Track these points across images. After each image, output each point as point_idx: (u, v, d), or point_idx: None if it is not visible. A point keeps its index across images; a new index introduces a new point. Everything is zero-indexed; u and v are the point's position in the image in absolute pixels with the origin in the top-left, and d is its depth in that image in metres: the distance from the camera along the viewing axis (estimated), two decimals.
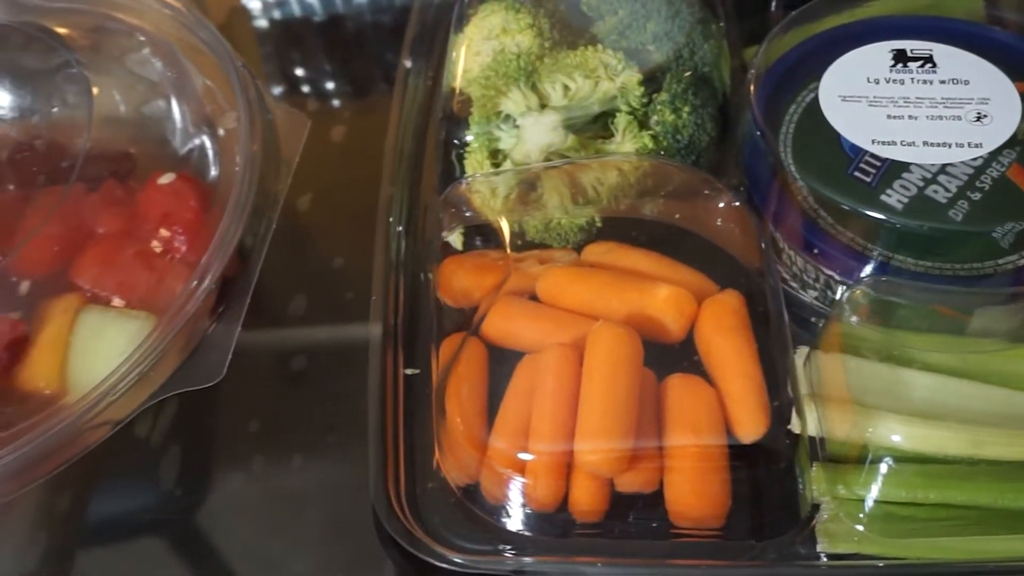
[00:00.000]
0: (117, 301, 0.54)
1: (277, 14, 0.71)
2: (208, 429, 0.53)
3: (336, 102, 0.67)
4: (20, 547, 0.50)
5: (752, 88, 0.54)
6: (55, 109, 0.56)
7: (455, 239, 0.57)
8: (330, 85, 0.68)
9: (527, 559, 0.45)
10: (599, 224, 0.56)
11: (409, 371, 0.51)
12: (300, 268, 0.58)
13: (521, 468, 0.47)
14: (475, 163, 0.57)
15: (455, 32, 0.60)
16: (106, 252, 0.55)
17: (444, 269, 0.55)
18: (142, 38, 0.56)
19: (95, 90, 0.57)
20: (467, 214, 0.56)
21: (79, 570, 0.49)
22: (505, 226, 0.56)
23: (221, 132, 0.54)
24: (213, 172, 0.55)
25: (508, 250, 0.55)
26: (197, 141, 0.57)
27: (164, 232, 0.56)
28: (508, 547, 0.46)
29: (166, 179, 0.57)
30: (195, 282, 0.50)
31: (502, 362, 0.51)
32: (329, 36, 0.71)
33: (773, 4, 0.68)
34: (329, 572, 0.48)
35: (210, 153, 0.55)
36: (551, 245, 0.56)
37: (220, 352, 0.48)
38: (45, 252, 0.56)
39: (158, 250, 0.55)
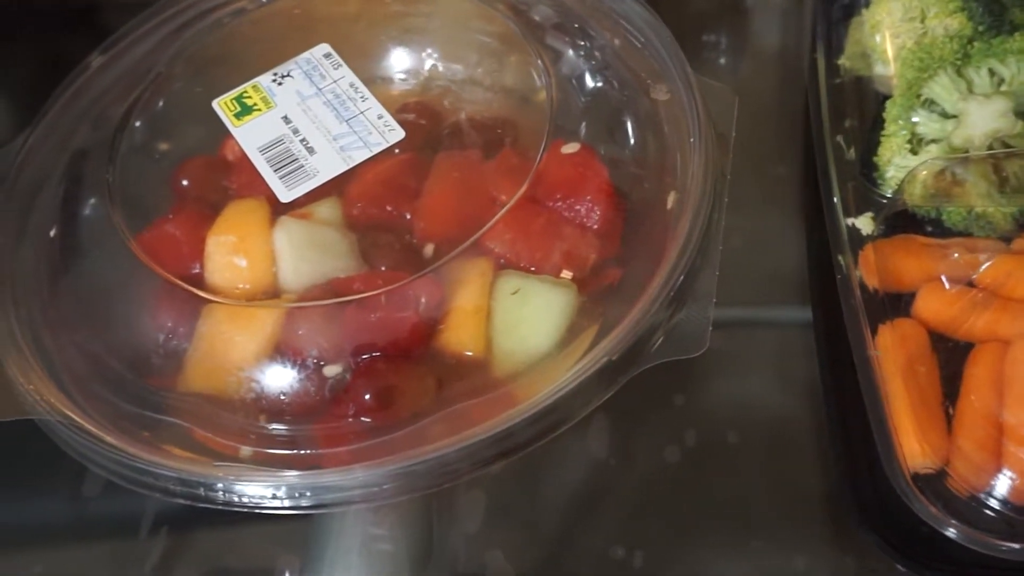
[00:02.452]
0: (529, 267, 0.52)
1: None
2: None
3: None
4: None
5: None
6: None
7: (864, 223, 0.55)
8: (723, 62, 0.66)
9: None
10: None
11: (873, 352, 0.48)
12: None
13: None
14: (892, 148, 0.54)
15: (854, 15, 0.59)
16: (517, 219, 0.53)
17: (874, 252, 0.52)
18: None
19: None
20: (888, 199, 0.54)
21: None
22: (932, 212, 0.53)
23: (645, 104, 0.52)
24: (631, 142, 0.53)
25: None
26: (604, 111, 0.55)
27: (573, 201, 0.53)
28: None
29: (570, 148, 0.55)
30: (675, 262, 0.47)
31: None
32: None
33: None
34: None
35: (629, 125, 0.53)
36: (972, 234, 0.54)
37: (698, 324, 0.45)
38: (447, 216, 0.54)
39: (567, 219, 0.53)
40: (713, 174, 0.47)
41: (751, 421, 0.49)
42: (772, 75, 0.65)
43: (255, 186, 0.54)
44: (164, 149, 0.54)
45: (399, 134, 0.51)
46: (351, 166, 0.50)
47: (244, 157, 0.56)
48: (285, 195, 0.50)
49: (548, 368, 0.49)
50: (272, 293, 0.52)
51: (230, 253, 0.52)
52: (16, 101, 0.69)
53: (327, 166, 0.50)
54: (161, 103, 0.53)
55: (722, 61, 0.64)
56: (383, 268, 0.52)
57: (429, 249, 0.53)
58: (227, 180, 0.56)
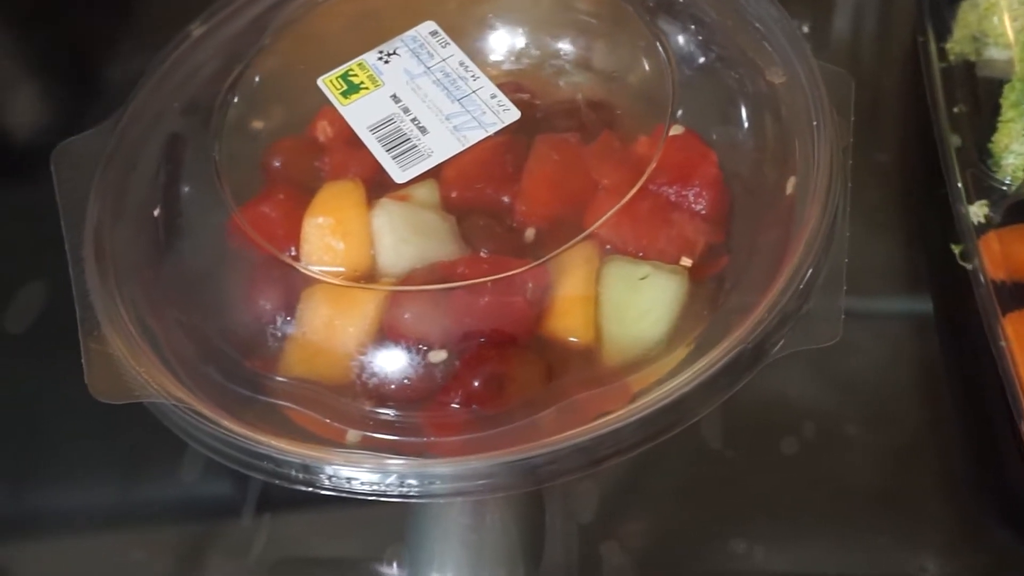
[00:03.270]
0: (636, 254, 0.51)
1: None
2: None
3: None
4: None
5: None
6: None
7: (978, 210, 0.53)
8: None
9: None
10: None
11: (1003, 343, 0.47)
12: None
13: None
14: (1010, 134, 0.53)
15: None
16: (623, 203, 0.52)
17: (998, 241, 0.51)
18: None
19: None
20: (1006, 186, 0.52)
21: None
22: None
23: (761, 86, 0.50)
24: (745, 126, 0.52)
25: None
26: (715, 93, 0.53)
27: (680, 186, 0.52)
28: None
29: (676, 131, 0.53)
30: (806, 249, 0.45)
31: None
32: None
33: None
34: None
35: (743, 108, 0.52)
36: None
37: (829, 312, 0.44)
38: (548, 199, 0.53)
39: (675, 205, 0.52)
40: (837, 158, 0.46)
41: (871, 413, 0.48)
42: (876, 58, 0.64)
43: (347, 166, 0.53)
44: (266, 127, 0.53)
45: (514, 114, 0.50)
46: (466, 146, 0.49)
47: (335, 137, 0.55)
48: (400, 175, 0.48)
49: (661, 357, 0.48)
50: (369, 276, 0.51)
51: (328, 235, 0.51)
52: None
53: (441, 146, 0.49)
54: (262, 79, 0.52)
55: (826, 44, 0.62)
56: (484, 252, 0.51)
57: (530, 233, 0.52)
58: (319, 161, 0.54)
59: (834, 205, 0.45)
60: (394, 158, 0.49)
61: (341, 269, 0.50)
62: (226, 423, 0.42)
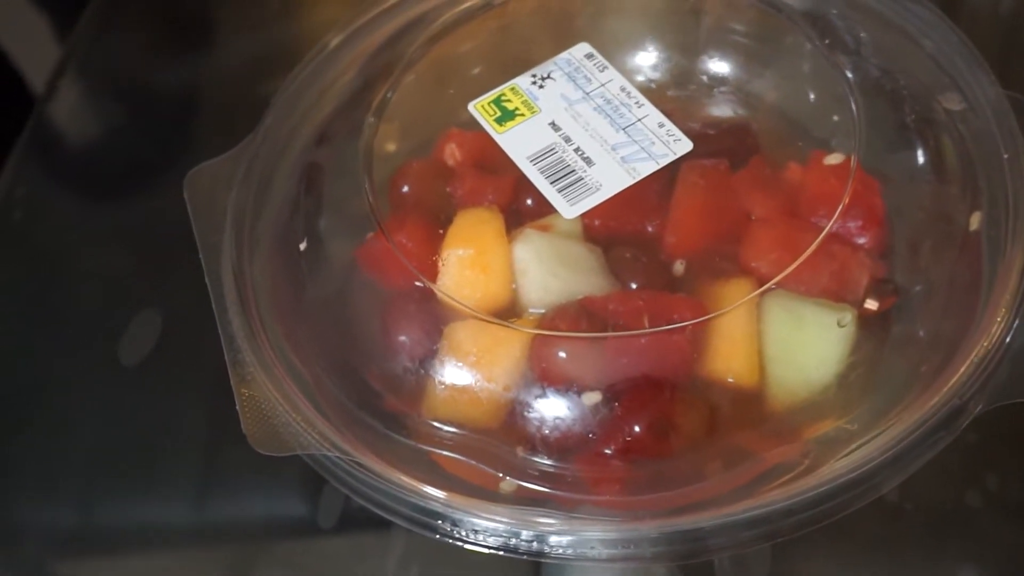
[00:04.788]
0: (798, 289, 0.48)
1: None
2: None
3: None
4: None
5: None
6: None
7: None
8: None
9: None
10: None
11: None
12: None
13: None
14: None
15: None
16: (780, 235, 0.49)
17: None
18: None
19: None
20: None
21: None
22: None
23: (936, 114, 0.47)
24: (920, 156, 0.48)
25: None
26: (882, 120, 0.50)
27: (844, 218, 0.49)
28: None
29: (834, 159, 0.50)
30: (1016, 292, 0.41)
31: None
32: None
33: None
34: None
35: (913, 136, 0.48)
36: None
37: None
38: (698, 230, 0.50)
39: (837, 237, 0.49)
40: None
41: None
42: None
43: (482, 192, 0.50)
44: (410, 154, 0.50)
45: (686, 145, 0.47)
46: (637, 179, 0.46)
47: (465, 161, 0.52)
48: (568, 210, 0.45)
49: (832, 402, 0.45)
50: (510, 310, 0.48)
51: (469, 267, 0.48)
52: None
53: (610, 179, 0.46)
54: (406, 102, 0.49)
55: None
56: (633, 286, 0.48)
57: (679, 266, 0.49)
58: (449, 186, 0.52)
59: None
60: (560, 191, 0.46)
61: (484, 303, 0.48)
62: (383, 472, 0.39)
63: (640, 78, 0.51)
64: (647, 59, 0.51)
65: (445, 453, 0.43)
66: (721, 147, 0.51)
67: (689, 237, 0.49)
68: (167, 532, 0.49)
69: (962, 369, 0.39)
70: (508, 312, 0.48)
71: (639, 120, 0.46)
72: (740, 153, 0.52)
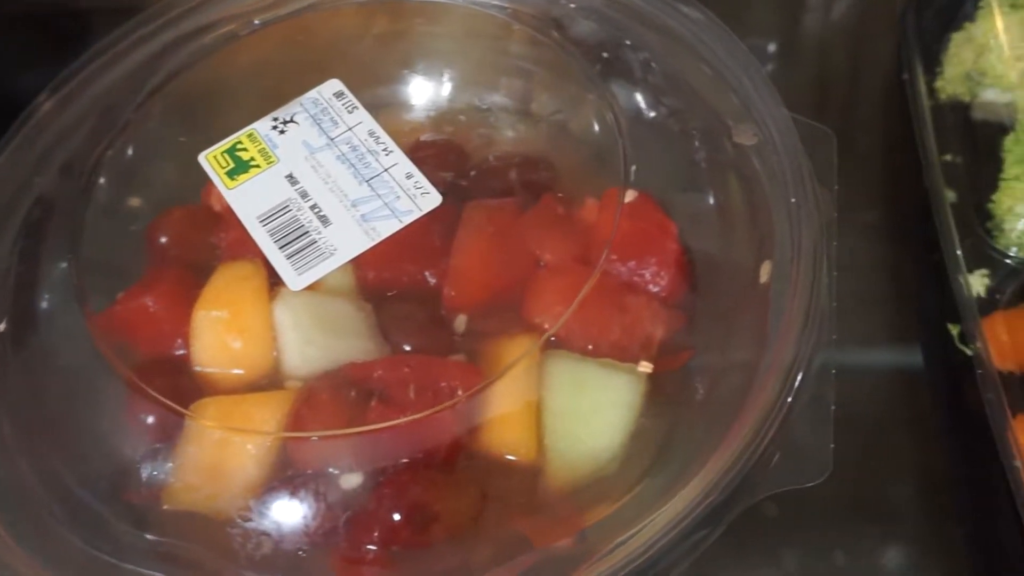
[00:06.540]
0: (585, 347, 0.43)
1: None
2: None
3: None
4: None
5: None
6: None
7: (977, 283, 0.46)
8: None
9: None
10: None
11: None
12: None
13: None
14: (1014, 195, 0.46)
15: (954, 29, 0.50)
16: (566, 285, 0.44)
17: (997, 325, 0.43)
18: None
19: None
20: (1011, 258, 0.45)
21: None
22: None
23: (725, 148, 0.43)
24: (708, 197, 0.44)
25: None
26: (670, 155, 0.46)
27: (636, 263, 0.44)
28: None
29: (628, 197, 0.46)
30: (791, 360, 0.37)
31: None
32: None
33: None
34: None
35: (704, 173, 0.44)
36: None
37: (816, 441, 0.36)
38: (481, 280, 0.45)
39: (628, 286, 0.44)
40: (820, 245, 0.38)
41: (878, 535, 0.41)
42: (852, 102, 0.56)
43: (246, 243, 0.45)
44: (141, 212, 0.45)
45: (434, 199, 0.42)
46: (376, 241, 0.41)
47: (228, 208, 0.47)
48: (295, 281, 0.40)
49: (615, 478, 0.40)
50: (273, 379, 0.43)
51: (222, 332, 0.43)
52: None
53: (346, 242, 0.41)
54: (133, 155, 0.43)
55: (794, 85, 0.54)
56: (407, 348, 0.43)
57: (461, 322, 0.44)
58: (213, 235, 0.46)
59: (816, 302, 0.37)
60: (288, 257, 0.41)
61: (240, 372, 0.43)
62: None
63: (408, 106, 0.46)
64: (415, 83, 0.46)
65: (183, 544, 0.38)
66: (507, 184, 0.47)
67: (470, 288, 0.44)
68: None
69: (730, 449, 0.35)
70: (270, 380, 0.43)
71: (385, 170, 0.41)
72: (533, 190, 0.47)
